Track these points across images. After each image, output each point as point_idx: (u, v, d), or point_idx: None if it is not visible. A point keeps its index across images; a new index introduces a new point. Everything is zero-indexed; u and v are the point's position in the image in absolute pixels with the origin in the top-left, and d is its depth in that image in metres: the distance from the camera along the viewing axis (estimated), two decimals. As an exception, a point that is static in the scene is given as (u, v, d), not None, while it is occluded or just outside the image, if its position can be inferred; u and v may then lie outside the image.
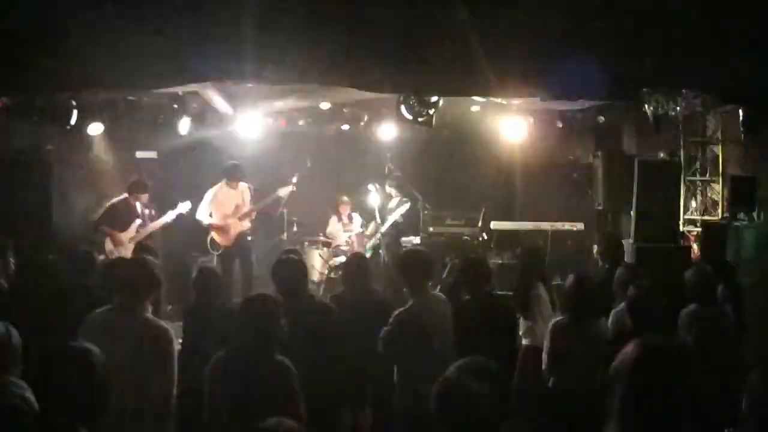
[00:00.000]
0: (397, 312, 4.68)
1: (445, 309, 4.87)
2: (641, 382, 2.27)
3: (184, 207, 8.82)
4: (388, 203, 9.84)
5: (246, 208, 9.08)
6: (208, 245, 9.12)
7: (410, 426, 4.46)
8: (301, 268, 4.95)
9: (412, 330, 4.42)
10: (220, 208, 9.11)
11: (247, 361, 3.63)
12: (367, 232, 9.98)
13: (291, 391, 3.63)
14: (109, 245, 8.34)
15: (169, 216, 8.74)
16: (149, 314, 4.06)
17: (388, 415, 4.75)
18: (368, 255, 9.22)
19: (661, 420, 2.23)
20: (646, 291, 4.55)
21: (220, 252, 9.11)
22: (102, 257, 7.11)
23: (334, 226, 10.18)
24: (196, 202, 9.01)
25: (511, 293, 6.02)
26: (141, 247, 7.17)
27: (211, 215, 9.08)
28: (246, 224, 9.14)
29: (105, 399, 2.66)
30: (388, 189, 9.90)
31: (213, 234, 9.13)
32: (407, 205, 9.69)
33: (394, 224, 9.69)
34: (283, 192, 9.41)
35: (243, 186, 9.17)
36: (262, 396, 3.51)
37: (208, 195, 9.09)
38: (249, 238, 9.21)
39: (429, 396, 2.44)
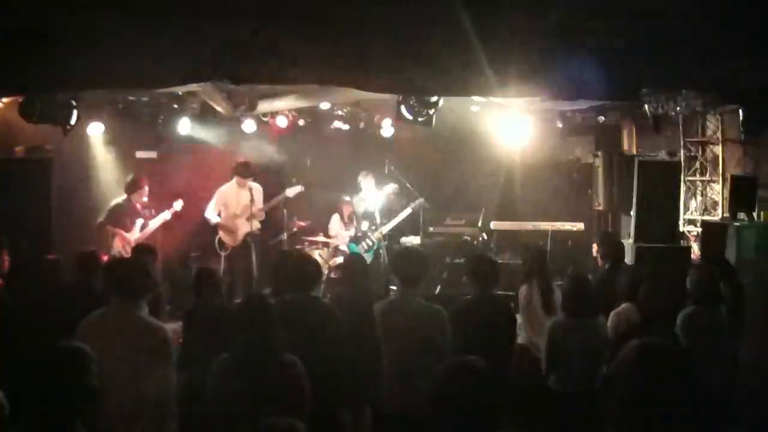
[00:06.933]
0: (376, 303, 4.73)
1: (424, 314, 4.62)
2: (640, 383, 2.27)
3: (177, 205, 8.78)
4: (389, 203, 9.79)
5: (255, 209, 8.95)
6: (216, 245, 9.10)
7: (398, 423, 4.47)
8: (317, 268, 4.94)
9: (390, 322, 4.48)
10: (229, 207, 9.07)
11: (255, 362, 3.61)
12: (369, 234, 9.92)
13: (298, 390, 3.63)
14: (117, 244, 8.32)
15: (165, 215, 8.72)
16: (145, 314, 4.06)
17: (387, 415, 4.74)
18: (368, 257, 9.16)
19: (660, 420, 2.24)
20: (658, 290, 4.59)
21: (227, 252, 9.08)
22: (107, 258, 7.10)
23: (336, 224, 10.12)
24: (195, 202, 8.99)
25: (510, 293, 6.02)
26: (141, 247, 7.16)
27: (219, 215, 9.06)
28: (254, 224, 9.02)
29: (97, 397, 2.65)
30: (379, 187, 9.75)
31: (221, 234, 9.11)
32: (420, 201, 9.60)
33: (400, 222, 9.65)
34: (291, 192, 9.37)
35: (253, 185, 9.02)
36: (272, 396, 3.49)
37: (217, 193, 9.07)
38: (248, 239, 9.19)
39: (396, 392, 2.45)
